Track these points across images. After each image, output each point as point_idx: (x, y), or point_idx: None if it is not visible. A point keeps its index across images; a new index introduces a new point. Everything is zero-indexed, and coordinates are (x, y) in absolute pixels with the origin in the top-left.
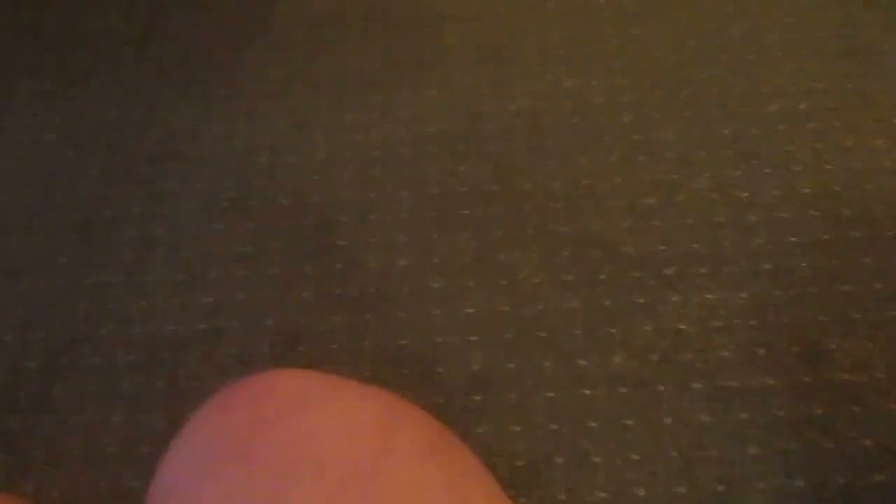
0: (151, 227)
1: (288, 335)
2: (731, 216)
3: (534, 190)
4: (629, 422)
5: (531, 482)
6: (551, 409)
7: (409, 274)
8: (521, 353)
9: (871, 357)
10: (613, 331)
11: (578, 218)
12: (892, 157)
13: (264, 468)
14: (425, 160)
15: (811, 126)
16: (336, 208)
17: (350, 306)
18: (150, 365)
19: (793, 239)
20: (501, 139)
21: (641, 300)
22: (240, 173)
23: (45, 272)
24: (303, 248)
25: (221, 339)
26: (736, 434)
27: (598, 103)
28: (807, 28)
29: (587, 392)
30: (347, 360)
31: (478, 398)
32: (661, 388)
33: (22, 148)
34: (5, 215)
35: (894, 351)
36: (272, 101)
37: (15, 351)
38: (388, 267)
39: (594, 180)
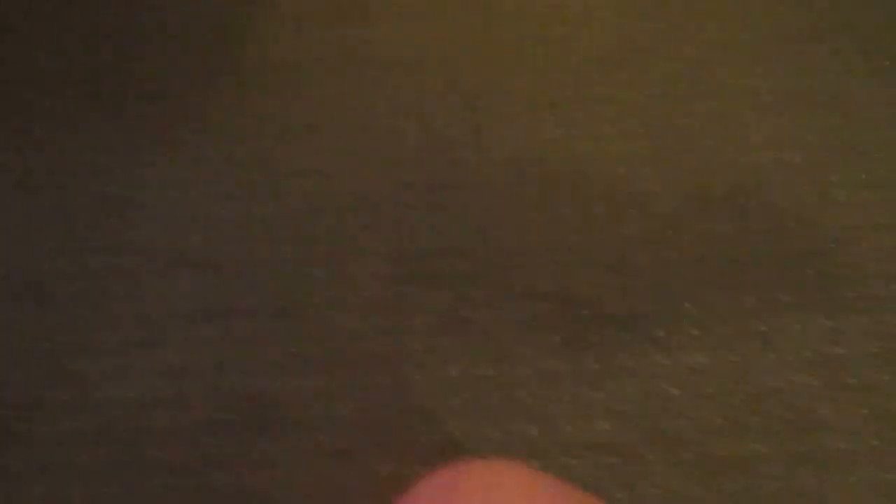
0: (111, 284)
1: (258, 400)
2: (722, 274)
3: (518, 246)
4: (617, 495)
5: None
6: None
7: (385, 334)
8: (503, 420)
9: (865, 423)
10: (601, 395)
11: (565, 276)
12: (882, 213)
13: None
14: (403, 210)
15: (803, 179)
16: (308, 263)
17: (324, 369)
18: (111, 433)
19: (786, 299)
20: (483, 189)
21: (629, 363)
22: (206, 224)
23: None
24: (273, 305)
25: (186, 404)
26: None
27: (585, 153)
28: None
29: (572, 461)
30: (321, 428)
31: None
32: (650, 457)
33: None
34: None
35: (888, 416)
36: (242, 145)
37: None
38: (364, 326)
39: (581, 235)
